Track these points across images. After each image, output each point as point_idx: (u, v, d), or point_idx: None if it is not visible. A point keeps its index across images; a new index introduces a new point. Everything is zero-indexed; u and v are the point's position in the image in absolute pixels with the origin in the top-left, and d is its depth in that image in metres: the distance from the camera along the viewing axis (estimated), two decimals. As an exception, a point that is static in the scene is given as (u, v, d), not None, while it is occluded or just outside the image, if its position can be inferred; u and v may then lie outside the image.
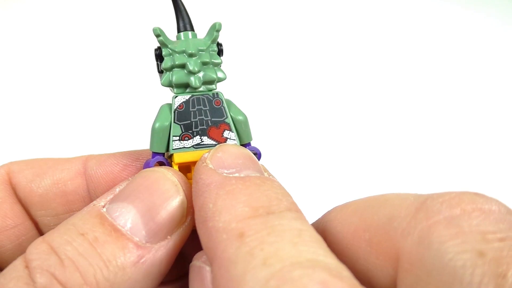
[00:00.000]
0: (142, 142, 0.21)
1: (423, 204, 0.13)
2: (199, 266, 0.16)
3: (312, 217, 0.18)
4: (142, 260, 0.15)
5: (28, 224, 0.20)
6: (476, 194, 0.12)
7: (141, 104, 0.45)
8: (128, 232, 0.15)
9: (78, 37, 0.56)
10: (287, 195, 0.15)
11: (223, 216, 0.13)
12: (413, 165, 0.57)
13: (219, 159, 0.16)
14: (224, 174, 0.15)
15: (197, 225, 0.15)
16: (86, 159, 0.20)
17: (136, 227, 0.15)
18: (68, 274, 0.13)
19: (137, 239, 0.15)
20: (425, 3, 0.68)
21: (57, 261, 0.14)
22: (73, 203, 0.20)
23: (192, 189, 0.16)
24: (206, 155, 0.16)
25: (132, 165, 0.20)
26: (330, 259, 0.12)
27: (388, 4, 0.67)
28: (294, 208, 0.14)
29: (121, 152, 0.20)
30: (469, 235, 0.11)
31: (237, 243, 0.12)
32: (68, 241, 0.14)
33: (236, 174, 0.15)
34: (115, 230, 0.15)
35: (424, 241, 0.12)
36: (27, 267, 0.13)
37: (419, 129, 0.60)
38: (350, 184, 0.52)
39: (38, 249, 0.14)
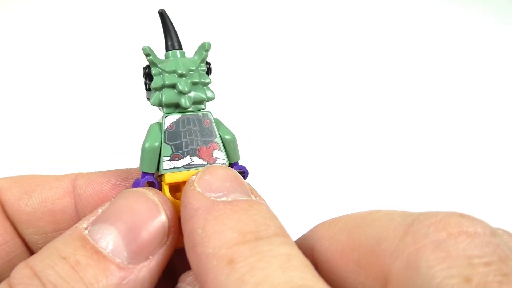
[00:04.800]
0: (132, 159, 0.21)
1: (410, 226, 0.13)
2: None
3: (301, 231, 0.18)
4: (125, 282, 0.15)
5: (18, 241, 0.20)
6: (462, 215, 0.13)
7: (131, 120, 0.45)
8: (110, 254, 0.15)
9: (71, 51, 0.56)
10: (274, 218, 0.15)
11: (212, 242, 0.14)
12: (406, 177, 0.56)
13: (207, 182, 0.16)
14: (212, 198, 0.15)
15: (186, 250, 0.15)
16: (75, 177, 0.20)
17: (117, 249, 0.15)
18: None
19: (119, 260, 0.15)
20: (425, 3, 0.68)
21: (39, 285, 0.14)
22: (61, 222, 0.20)
23: (181, 213, 0.16)
24: (193, 177, 0.17)
25: (122, 185, 0.20)
26: (319, 284, 0.12)
27: (387, 4, 0.67)
28: (281, 233, 0.15)
29: (111, 171, 0.20)
30: (456, 259, 0.12)
31: (227, 270, 0.13)
32: (50, 265, 0.14)
33: (224, 198, 0.15)
34: (97, 253, 0.15)
35: (412, 264, 0.12)
36: None
37: (413, 136, 0.60)
38: (339, 197, 0.52)
39: (21, 274, 0.14)
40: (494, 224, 0.14)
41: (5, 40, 0.56)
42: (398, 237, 0.13)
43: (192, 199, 0.15)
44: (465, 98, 0.64)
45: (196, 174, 0.17)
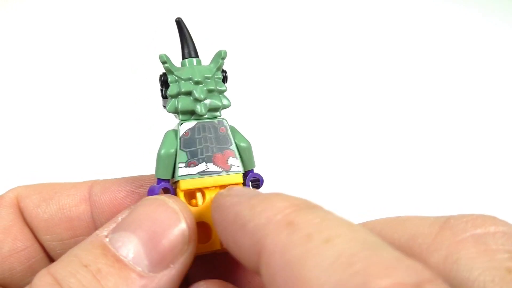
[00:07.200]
0: (147, 167, 0.21)
1: (447, 223, 0.14)
2: None
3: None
4: None
5: (37, 247, 0.20)
6: (495, 217, 0.14)
7: (147, 128, 0.45)
8: (131, 262, 0.15)
9: (85, 59, 0.56)
10: None
11: (265, 214, 0.13)
12: (422, 183, 0.56)
13: (237, 189, 0.16)
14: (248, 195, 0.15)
15: (233, 233, 0.14)
16: (92, 184, 0.21)
17: (138, 257, 0.15)
18: None
19: (140, 269, 0.15)
20: (425, 3, 0.68)
21: None
22: (77, 228, 0.20)
23: (217, 210, 0.16)
24: (222, 191, 0.17)
25: (136, 192, 0.20)
26: (389, 246, 0.12)
27: (387, 4, 0.67)
28: None
29: (126, 178, 0.21)
30: (497, 253, 0.12)
31: (288, 230, 0.12)
32: (72, 273, 0.14)
33: None
34: (118, 261, 0.15)
35: (452, 257, 0.13)
36: None
37: (426, 140, 0.60)
38: (357, 207, 0.52)
39: (42, 281, 0.14)
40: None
41: (11, 46, 0.56)
42: (435, 232, 0.14)
43: (229, 197, 0.15)
44: (468, 98, 0.64)
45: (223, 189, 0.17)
